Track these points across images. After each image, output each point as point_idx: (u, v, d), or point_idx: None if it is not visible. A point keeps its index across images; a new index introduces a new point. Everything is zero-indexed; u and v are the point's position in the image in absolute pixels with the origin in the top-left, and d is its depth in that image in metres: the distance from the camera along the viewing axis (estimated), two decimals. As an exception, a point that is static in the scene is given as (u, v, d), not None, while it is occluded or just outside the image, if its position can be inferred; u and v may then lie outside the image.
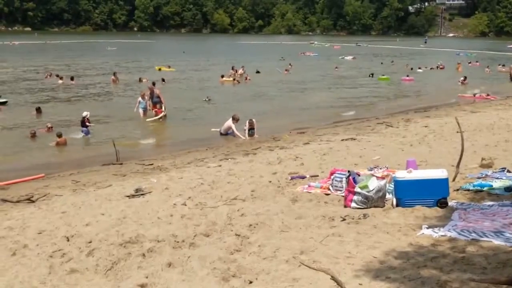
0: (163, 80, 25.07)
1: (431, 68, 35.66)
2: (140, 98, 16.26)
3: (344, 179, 6.24)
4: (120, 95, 21.53)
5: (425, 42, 77.06)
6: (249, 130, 13.58)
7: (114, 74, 26.51)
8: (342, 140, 11.52)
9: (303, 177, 7.45)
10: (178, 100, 18.95)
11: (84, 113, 14.11)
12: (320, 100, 20.58)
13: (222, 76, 27.10)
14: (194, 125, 15.23)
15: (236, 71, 29.77)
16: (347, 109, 18.51)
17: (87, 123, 13.87)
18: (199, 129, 14.39)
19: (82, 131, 13.49)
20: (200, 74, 30.48)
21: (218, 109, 17.63)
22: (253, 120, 13.77)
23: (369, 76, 29.67)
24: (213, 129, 14.06)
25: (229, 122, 13.68)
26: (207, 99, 19.38)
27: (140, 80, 25.21)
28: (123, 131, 14.03)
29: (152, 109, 15.86)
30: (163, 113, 15.51)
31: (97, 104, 18.83)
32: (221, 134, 13.76)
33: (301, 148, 10.80)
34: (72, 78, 24.97)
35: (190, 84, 25.67)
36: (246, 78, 27.48)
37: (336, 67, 34.58)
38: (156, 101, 15.84)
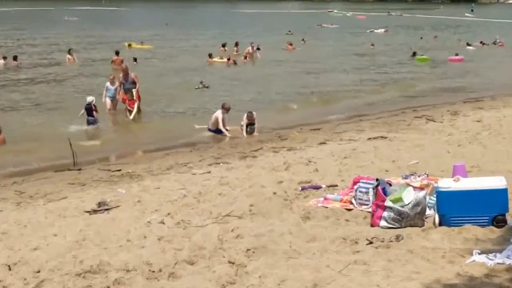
0: (134, 60, 25.29)
1: (483, 44, 35.80)
2: (108, 83, 16.25)
3: (371, 190, 6.32)
4: (78, 78, 21.69)
5: (472, 11, 77.13)
6: (247, 126, 13.69)
7: (69, 51, 26.58)
8: (369, 139, 11.56)
9: (317, 188, 7.50)
10: (155, 87, 19.04)
11: (89, 98, 14.44)
12: (341, 86, 20.68)
13: (210, 56, 27.34)
14: (176, 119, 15.29)
15: (236, 49, 30.08)
16: (375, 98, 18.60)
17: (95, 111, 14.28)
18: (183, 125, 14.50)
19: (89, 121, 13.97)
20: (187, 53, 30.65)
21: (209, 99, 17.80)
22: (253, 113, 13.81)
23: (412, 56, 29.73)
24: (197, 126, 14.13)
25: (218, 113, 13.73)
26: (201, 86, 19.54)
27: (117, 54, 25.21)
28: (82, 127, 14.19)
29: (123, 100, 15.80)
30: (135, 108, 15.47)
31: (46, 91, 18.87)
32: (209, 130, 13.86)
33: (315, 149, 10.84)
34: (15, 58, 25.10)
35: (173, 65, 25.81)
36: (245, 57, 27.74)
37: (372, 45, 34.96)
38: (129, 88, 15.73)
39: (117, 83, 16.07)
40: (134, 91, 15.60)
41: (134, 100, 15.61)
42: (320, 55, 30.08)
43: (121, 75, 16.09)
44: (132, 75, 16.07)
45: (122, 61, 23.29)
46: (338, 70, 24.78)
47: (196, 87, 19.53)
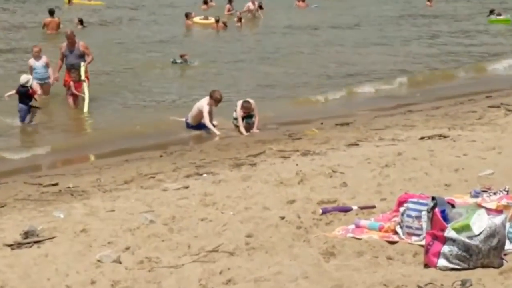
0: (80, 22, 25.45)
1: None
2: (31, 60, 16.21)
3: (424, 213, 6.35)
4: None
5: None
6: (243, 119, 13.90)
7: None
8: (422, 138, 11.60)
9: (346, 210, 7.58)
10: (111, 64, 19.09)
11: (24, 78, 14.62)
12: (380, 64, 20.77)
13: (188, 16, 27.70)
14: (141, 110, 15.39)
15: (229, 7, 30.57)
16: (431, 80, 18.65)
17: (33, 96, 14.55)
18: (150, 118, 14.62)
19: (20, 112, 14.26)
20: (157, 13, 30.72)
21: (190, 81, 17.88)
22: (251, 101, 14.04)
23: (489, 15, 30.03)
24: (173, 117, 14.24)
25: (203, 104, 13.98)
26: (180, 61, 19.83)
27: (51, 14, 25.10)
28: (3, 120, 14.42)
29: (65, 82, 15.84)
30: (86, 93, 15.50)
31: None
32: (188, 126, 14.09)
33: (343, 153, 10.90)
34: None
35: (136, 31, 25.93)
36: (239, 20, 28.02)
37: (429, 1, 35.42)
38: (74, 65, 15.86)
39: (44, 58, 16.19)
40: (82, 67, 15.65)
41: (81, 82, 15.66)
42: (347, 17, 30.19)
43: (63, 44, 16.12)
44: (80, 44, 16.20)
45: (58, 25, 23.24)
46: (374, 40, 24.89)
47: (173, 60, 19.76)
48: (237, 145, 12.69)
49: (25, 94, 14.44)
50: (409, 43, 25.02)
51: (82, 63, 15.77)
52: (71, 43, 16.12)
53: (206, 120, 13.94)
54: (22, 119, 14.40)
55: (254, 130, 13.83)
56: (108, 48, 21.34)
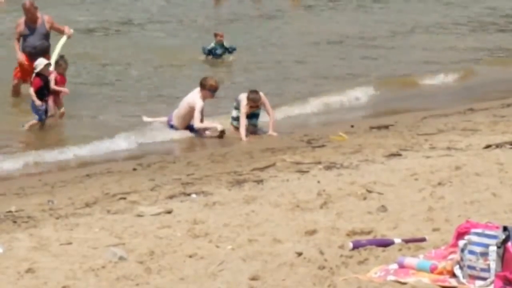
0: None
1: None
2: None
3: (492, 248, 5.86)
4: None
5: None
6: (249, 117, 13.47)
7: None
8: (488, 146, 10.88)
9: (385, 244, 6.98)
10: (76, 45, 18.71)
11: (42, 62, 13.83)
12: (431, 51, 20.63)
13: None
14: (111, 106, 15.14)
15: None
16: (497, 72, 18.34)
17: (54, 87, 14.10)
18: (120, 117, 14.46)
19: (37, 108, 13.61)
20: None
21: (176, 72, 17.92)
22: (259, 93, 13.48)
23: None
24: (147, 119, 13.80)
25: (193, 98, 13.48)
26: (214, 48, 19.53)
27: None
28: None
29: (18, 73, 14.82)
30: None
31: None
32: (172, 128, 13.64)
33: (380, 167, 10.25)
34: None
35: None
36: None
37: None
38: (36, 47, 14.69)
39: None
40: (60, 44, 14.76)
41: (63, 76, 14.85)
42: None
43: (21, 20, 14.97)
44: (45, 18, 14.99)
45: None
46: (426, 24, 24.84)
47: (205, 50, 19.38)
48: (238, 155, 12.05)
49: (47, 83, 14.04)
50: (454, 31, 24.97)
51: (63, 40, 14.85)
52: (32, 18, 14.84)
53: (196, 120, 13.27)
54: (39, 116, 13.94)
55: (270, 132, 13.19)
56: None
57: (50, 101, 14.54)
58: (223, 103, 14.73)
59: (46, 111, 13.80)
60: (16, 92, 15.10)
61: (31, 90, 13.88)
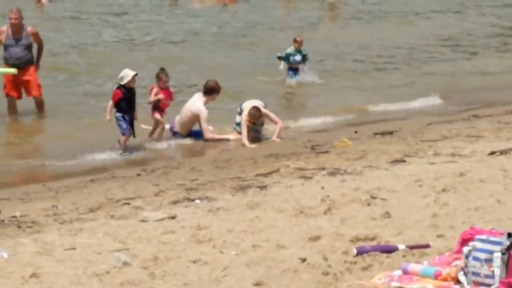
0: None
1: None
2: None
3: (497, 255, 5.85)
4: None
5: None
6: (251, 128, 13.40)
7: None
8: (492, 153, 10.87)
9: (389, 250, 7.01)
10: (76, 50, 19.38)
11: (129, 74, 13.10)
12: (435, 46, 21.34)
13: None
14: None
15: None
16: (501, 73, 18.72)
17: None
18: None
19: (119, 122, 12.98)
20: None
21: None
22: (261, 111, 13.37)
23: None
24: (144, 126, 13.67)
25: (196, 102, 13.39)
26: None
27: None
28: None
29: (6, 88, 14.31)
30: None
31: None
32: (175, 134, 13.67)
33: (384, 173, 10.30)
34: None
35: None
36: None
37: None
38: (19, 58, 14.07)
39: None
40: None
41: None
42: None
43: (4, 27, 14.30)
44: (28, 30, 14.36)
45: None
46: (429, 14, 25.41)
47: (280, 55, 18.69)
48: (241, 161, 12.05)
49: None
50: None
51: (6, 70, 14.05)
52: (17, 27, 14.06)
53: (206, 132, 13.24)
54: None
55: (274, 138, 13.24)
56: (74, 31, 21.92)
57: (157, 115, 13.91)
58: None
59: (131, 123, 12.97)
60: (12, 109, 14.51)
61: (110, 103, 13.15)
